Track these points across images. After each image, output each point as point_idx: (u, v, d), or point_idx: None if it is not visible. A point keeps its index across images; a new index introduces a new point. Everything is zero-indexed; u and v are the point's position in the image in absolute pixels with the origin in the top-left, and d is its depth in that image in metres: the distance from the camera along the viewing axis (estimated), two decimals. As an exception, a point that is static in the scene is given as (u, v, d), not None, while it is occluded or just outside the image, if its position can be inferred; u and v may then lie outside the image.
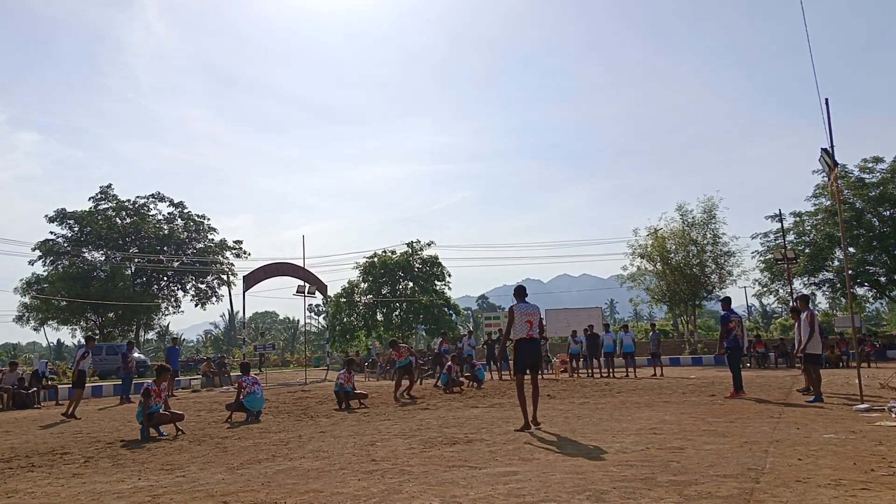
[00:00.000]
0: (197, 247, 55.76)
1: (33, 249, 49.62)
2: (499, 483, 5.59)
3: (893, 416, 8.72)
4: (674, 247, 40.18)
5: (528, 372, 9.49)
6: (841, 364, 26.18)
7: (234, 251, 57.41)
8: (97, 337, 21.11)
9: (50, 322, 50.86)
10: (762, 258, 38.73)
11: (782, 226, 37.27)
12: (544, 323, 10.23)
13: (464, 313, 58.87)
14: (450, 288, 45.80)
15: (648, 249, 40.73)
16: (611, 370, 22.83)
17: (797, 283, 36.03)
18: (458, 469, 6.35)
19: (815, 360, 12.31)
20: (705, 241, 39.79)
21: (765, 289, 38.79)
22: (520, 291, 9.81)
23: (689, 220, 39.93)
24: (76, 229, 51.13)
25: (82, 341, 50.51)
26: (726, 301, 13.78)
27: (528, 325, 9.32)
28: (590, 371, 23.48)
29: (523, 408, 9.33)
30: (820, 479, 5.23)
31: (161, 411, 10.48)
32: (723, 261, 39.74)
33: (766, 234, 38.88)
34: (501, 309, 75.75)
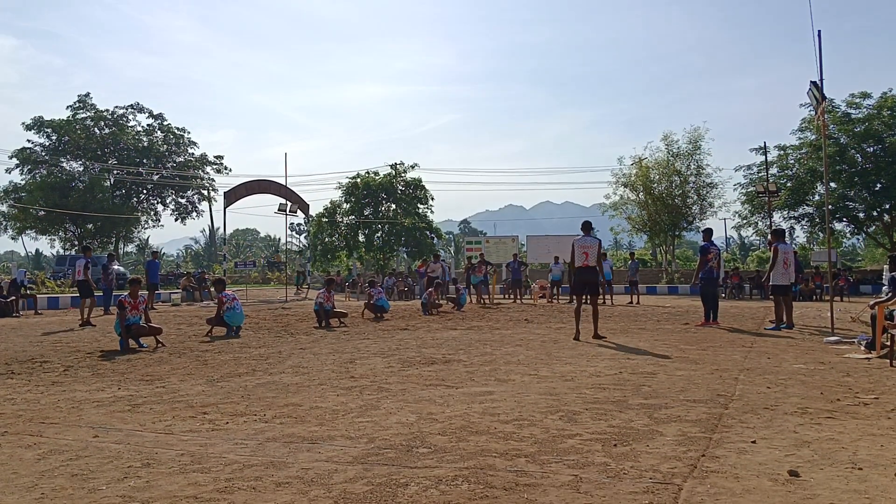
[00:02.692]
0: (177, 160, 54.94)
1: (10, 157, 48.70)
2: (475, 402, 5.70)
3: (862, 348, 8.93)
4: (657, 177, 40.20)
5: (585, 296, 11.07)
6: (815, 297, 26.71)
7: (214, 166, 56.73)
8: (90, 247, 20.99)
9: (28, 231, 50.39)
10: (744, 191, 38.85)
11: (766, 159, 37.24)
12: (603, 252, 11.80)
13: (445, 237, 58.93)
14: (432, 211, 45.69)
15: (632, 179, 40.74)
16: (610, 297, 23.02)
17: (777, 217, 36.26)
18: (435, 388, 6.46)
19: (782, 291, 12.56)
20: (689, 172, 39.84)
21: (744, 221, 39.03)
22: (586, 226, 11.28)
23: (675, 151, 39.86)
24: (54, 138, 50.08)
25: (59, 251, 49.93)
26: (707, 232, 13.88)
27: (584, 255, 10.83)
28: (570, 297, 23.75)
29: (576, 322, 10.98)
30: (787, 406, 5.37)
31: (140, 323, 10.49)
32: (705, 192, 39.91)
33: (749, 167, 38.87)
34: (483, 234, 75.93)
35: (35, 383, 7.13)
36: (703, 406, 5.43)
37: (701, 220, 40.07)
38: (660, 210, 39.91)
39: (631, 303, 22.05)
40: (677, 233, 42.15)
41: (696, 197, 39.97)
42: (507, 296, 26.08)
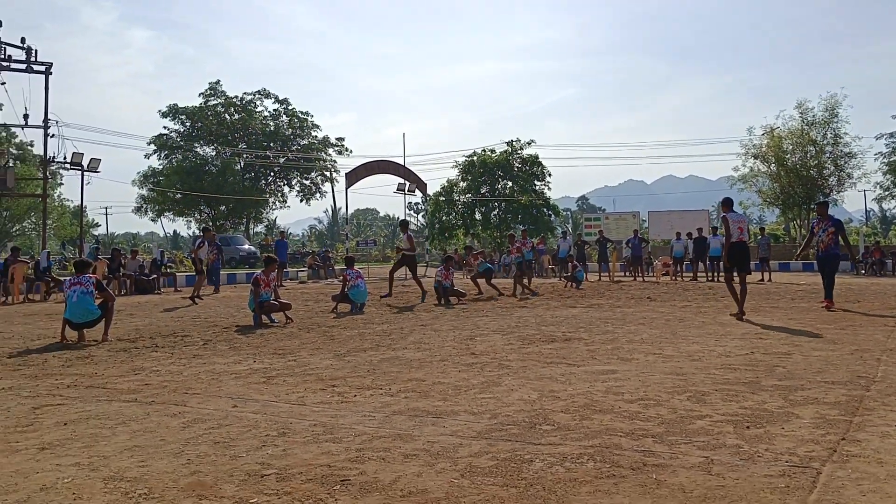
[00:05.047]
0: (301, 143, 56.97)
1: (148, 143, 51.94)
2: (597, 381, 5.62)
3: None
4: (790, 147, 38.06)
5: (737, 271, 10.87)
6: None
7: (336, 148, 58.41)
8: (212, 229, 22.30)
9: (166, 213, 53.78)
10: (886, 160, 36.16)
11: (912, 126, 34.54)
12: (745, 227, 11.34)
13: (563, 214, 58.26)
14: (549, 188, 45.24)
15: (763, 150, 38.74)
16: (717, 274, 22.20)
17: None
18: (556, 366, 6.43)
19: None
20: (825, 142, 37.44)
21: (886, 193, 36.41)
22: (728, 202, 11.41)
23: (809, 119, 37.54)
24: (188, 124, 53.05)
25: (195, 232, 52.94)
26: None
27: (739, 230, 10.73)
28: (694, 275, 22.98)
29: (734, 298, 10.73)
30: (939, 391, 4.99)
31: (271, 300, 11.01)
32: (843, 162, 37.41)
33: (892, 135, 36.16)
34: (601, 210, 74.58)
35: (177, 356, 7.62)
36: (842, 388, 5.13)
37: (839, 192, 37.71)
38: (793, 182, 37.77)
39: (762, 280, 21.04)
40: (812, 206, 39.80)
41: (832, 168, 37.53)
42: (627, 273, 25.56)
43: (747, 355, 6.81)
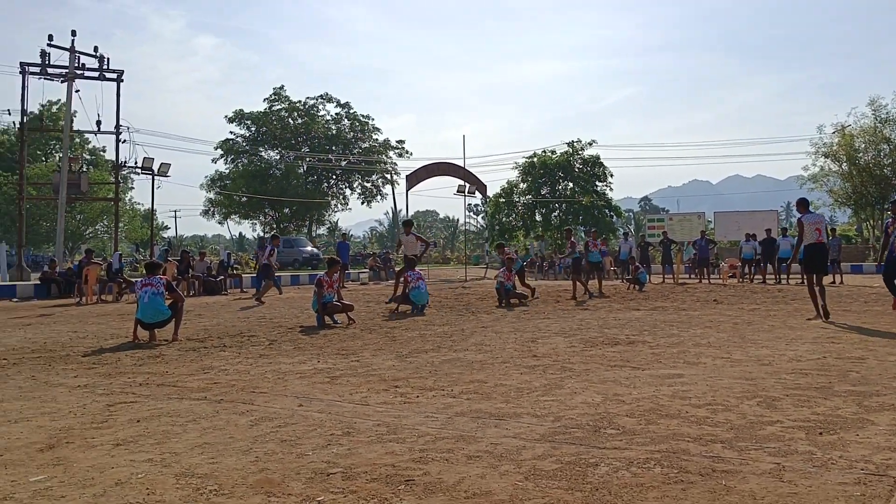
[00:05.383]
0: (362, 146, 57.68)
1: (215, 148, 53.38)
2: (663, 384, 5.52)
3: None
4: (863, 145, 36.82)
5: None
6: None
7: (397, 151, 58.91)
8: (279, 235, 22.85)
9: (232, 216, 55.16)
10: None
11: None
12: (823, 228, 11.02)
13: (625, 215, 57.51)
14: (611, 189, 44.73)
15: (834, 148, 37.55)
16: (787, 276, 21.53)
17: None
18: (619, 369, 6.34)
19: None
20: (900, 140, 36.07)
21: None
22: (804, 203, 11.16)
23: (883, 116, 36.23)
24: (253, 129, 54.31)
25: (260, 234, 54.20)
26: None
27: (816, 231, 10.53)
28: (763, 277, 22.36)
29: (814, 301, 10.64)
30: None
31: (334, 301, 11.16)
32: (919, 161, 35.97)
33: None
34: (665, 211, 73.24)
35: (244, 356, 7.79)
36: (924, 396, 4.92)
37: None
38: (866, 182, 36.52)
39: (833, 283, 20.34)
40: (886, 206, 38.35)
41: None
42: (692, 275, 25.04)
43: (819, 360, 6.59)
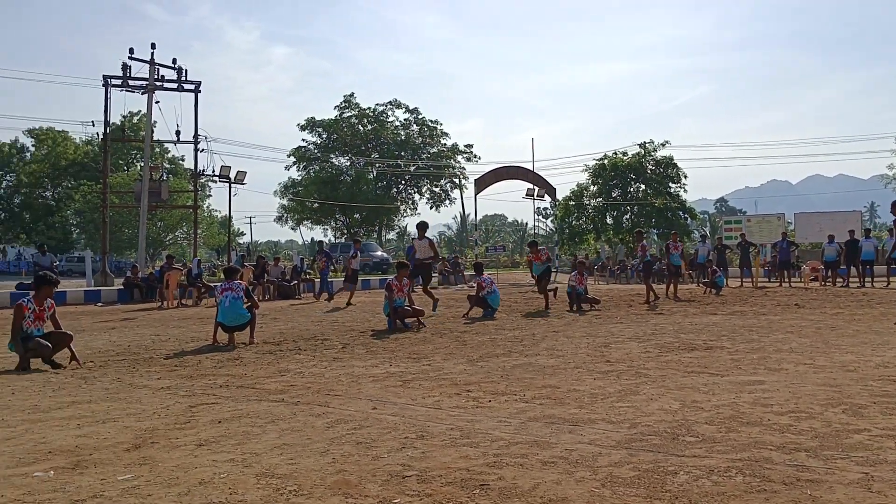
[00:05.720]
0: (431, 151, 58.07)
1: (288, 156, 54.63)
2: (743, 391, 5.37)
3: None
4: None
5: None
6: None
7: (465, 155, 59.08)
8: (360, 239, 23.29)
9: (305, 222, 56.34)
10: None
11: None
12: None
13: (700, 217, 56.15)
14: (685, 190, 43.76)
15: (922, 145, 35.81)
16: (871, 279, 20.63)
17: None
18: (697, 375, 6.19)
19: None
20: None
21: None
22: None
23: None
24: (324, 136, 55.36)
25: (332, 240, 55.15)
26: None
27: None
28: (846, 280, 21.47)
29: None
30: None
31: (405, 305, 11.25)
32: None
33: None
34: (742, 212, 71.21)
35: (319, 358, 7.93)
36: None
37: None
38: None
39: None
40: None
41: None
42: (771, 278, 24.26)
43: (911, 367, 6.29)
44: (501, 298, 14.05)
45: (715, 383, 5.75)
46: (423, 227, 15.12)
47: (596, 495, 3.12)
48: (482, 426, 4.46)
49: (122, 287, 21.74)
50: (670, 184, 43.05)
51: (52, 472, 3.63)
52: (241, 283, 9.72)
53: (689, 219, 44.02)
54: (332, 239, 58.27)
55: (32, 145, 61.76)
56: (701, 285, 20.66)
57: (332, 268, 23.38)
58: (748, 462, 3.52)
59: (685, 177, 43.31)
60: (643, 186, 43.20)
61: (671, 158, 43.23)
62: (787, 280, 22.40)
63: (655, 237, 47.23)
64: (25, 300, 7.74)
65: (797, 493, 3.06)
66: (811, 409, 4.71)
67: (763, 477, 3.28)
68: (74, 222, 60.87)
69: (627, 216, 43.32)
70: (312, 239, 23.67)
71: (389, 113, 57.48)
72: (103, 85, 28.35)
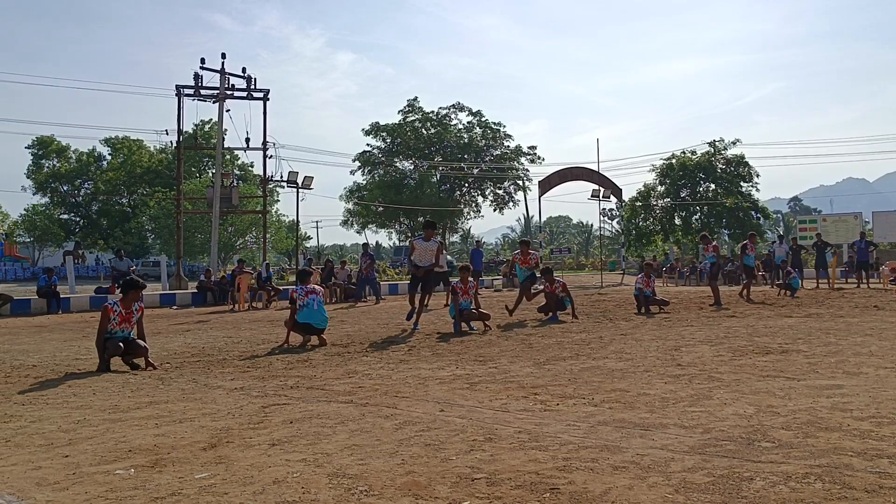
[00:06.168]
0: (494, 153, 57.92)
1: (353, 160, 55.31)
2: (821, 396, 5.19)
3: None
4: None
5: None
6: None
7: (528, 157, 58.71)
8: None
9: (370, 226, 56.98)
10: None
11: None
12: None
13: (773, 217, 54.54)
14: (757, 189, 42.58)
15: None
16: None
17: None
18: (773, 379, 6.01)
19: None
20: None
21: None
22: None
23: None
24: (388, 141, 55.87)
25: (396, 243, 55.52)
26: None
27: None
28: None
29: None
30: None
31: (471, 308, 11.27)
32: None
33: None
34: (817, 212, 68.79)
35: (385, 361, 8.01)
36: None
37: None
38: None
39: None
40: None
41: None
42: (849, 280, 23.37)
43: None
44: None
45: (791, 388, 5.58)
46: (430, 226, 12.49)
47: (670, 501, 3.07)
48: (550, 429, 4.43)
49: (195, 290, 22.37)
50: (741, 183, 41.95)
51: (132, 470, 3.77)
52: (320, 289, 10.05)
53: (761, 218, 42.79)
54: (397, 242, 58.74)
55: (109, 154, 64.57)
56: (775, 287, 20.06)
57: (377, 271, 23.51)
58: (827, 468, 3.41)
59: (757, 175, 42.19)
60: (713, 186, 42.23)
61: (742, 157, 42.14)
62: (865, 281, 21.57)
63: (726, 237, 46.06)
64: (112, 303, 8.06)
65: (879, 501, 2.95)
66: (893, 414, 4.53)
67: (843, 484, 3.17)
68: (149, 228, 63.16)
69: (697, 216, 42.40)
70: (366, 243, 24.24)
71: (452, 116, 57.61)
72: (176, 94, 29.21)
